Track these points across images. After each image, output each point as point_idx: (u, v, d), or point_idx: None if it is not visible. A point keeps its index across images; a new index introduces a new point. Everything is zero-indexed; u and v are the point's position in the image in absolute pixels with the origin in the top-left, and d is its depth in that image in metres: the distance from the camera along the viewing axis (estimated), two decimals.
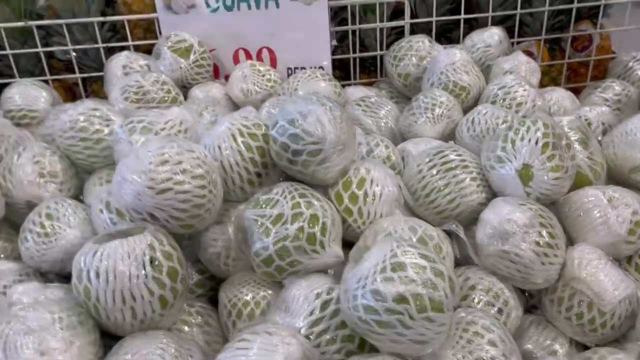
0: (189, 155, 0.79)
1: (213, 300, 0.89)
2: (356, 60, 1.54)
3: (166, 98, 1.20)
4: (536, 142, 0.84)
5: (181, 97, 1.25)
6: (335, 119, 0.81)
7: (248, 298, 0.82)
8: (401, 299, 0.61)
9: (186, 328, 0.83)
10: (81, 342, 0.70)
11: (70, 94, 1.58)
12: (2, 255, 0.99)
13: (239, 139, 0.87)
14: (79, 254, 0.75)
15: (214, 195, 0.81)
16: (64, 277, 0.96)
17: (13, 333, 0.68)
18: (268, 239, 0.77)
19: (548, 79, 1.58)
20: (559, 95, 1.28)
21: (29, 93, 1.27)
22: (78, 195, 1.07)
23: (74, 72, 1.50)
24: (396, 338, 0.63)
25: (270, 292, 0.82)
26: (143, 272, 0.72)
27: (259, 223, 0.78)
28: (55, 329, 0.69)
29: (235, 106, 1.32)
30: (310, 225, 0.77)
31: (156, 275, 0.73)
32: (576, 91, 1.37)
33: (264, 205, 0.80)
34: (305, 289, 0.73)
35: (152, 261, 0.73)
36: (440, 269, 0.64)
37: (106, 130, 1.05)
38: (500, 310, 0.78)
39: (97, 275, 0.71)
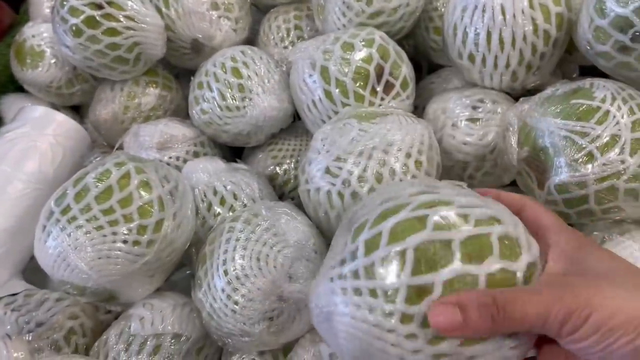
0: None
1: None
2: None
3: None
4: None
5: None
6: None
7: None
8: None
9: None
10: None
11: None
12: (161, 105, 0.77)
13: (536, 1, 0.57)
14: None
15: None
16: (236, 152, 0.75)
17: (267, 244, 0.50)
18: (587, 171, 0.51)
19: None
20: None
21: None
22: (253, 41, 0.82)
23: None
24: None
25: None
26: None
27: (573, 143, 0.51)
28: (310, 250, 0.51)
29: None
30: None
31: None
32: None
33: (582, 116, 0.52)
34: None
35: None
36: None
37: None
38: None
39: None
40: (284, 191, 0.70)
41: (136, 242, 0.50)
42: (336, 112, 0.62)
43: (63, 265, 0.50)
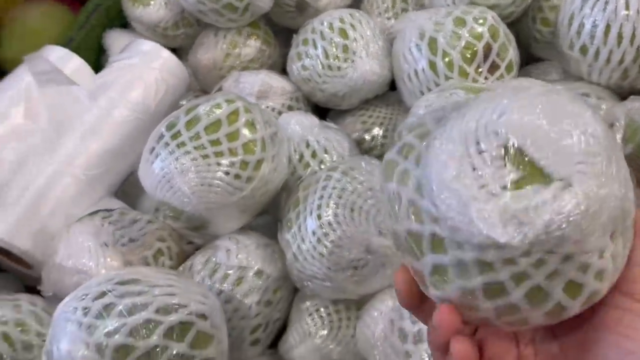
0: None
1: None
2: None
3: None
4: None
5: None
6: None
7: None
8: None
9: None
10: None
11: None
12: (259, 58, 0.79)
13: None
14: None
15: None
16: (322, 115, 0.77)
17: (361, 196, 0.52)
18: None
19: None
20: None
21: None
22: (356, 8, 0.83)
23: None
24: None
25: None
26: None
27: None
28: None
29: None
30: None
31: None
32: None
33: None
34: None
35: None
36: None
37: None
38: None
39: None
40: None
41: (237, 176, 0.53)
42: (437, 85, 0.62)
43: (167, 186, 0.53)
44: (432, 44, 0.62)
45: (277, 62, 0.82)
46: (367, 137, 0.71)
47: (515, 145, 0.27)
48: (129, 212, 0.62)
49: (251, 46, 0.79)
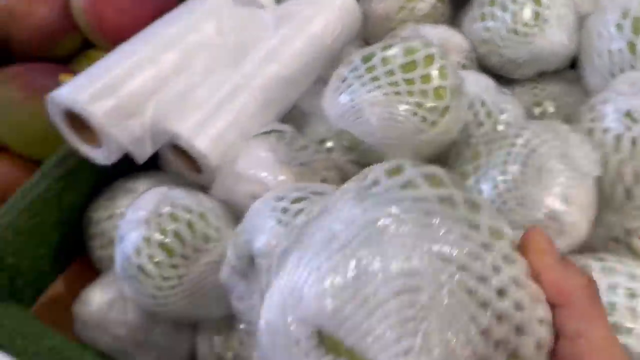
0: None
1: None
2: None
3: None
4: None
5: None
6: None
7: None
8: None
9: None
10: None
11: None
12: (432, 14, 0.78)
13: None
14: None
15: None
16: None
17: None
18: None
19: None
20: None
21: None
22: None
23: None
24: None
25: None
26: None
27: None
28: None
29: None
30: None
31: None
32: None
33: None
34: None
35: None
36: None
37: None
38: None
39: None
40: None
41: (424, 118, 0.53)
42: (632, 67, 0.60)
43: (353, 116, 0.54)
44: (637, 24, 0.59)
45: (448, 22, 0.81)
46: (536, 110, 0.69)
47: (325, 332, 0.24)
48: (299, 137, 0.64)
49: (426, 1, 0.78)
